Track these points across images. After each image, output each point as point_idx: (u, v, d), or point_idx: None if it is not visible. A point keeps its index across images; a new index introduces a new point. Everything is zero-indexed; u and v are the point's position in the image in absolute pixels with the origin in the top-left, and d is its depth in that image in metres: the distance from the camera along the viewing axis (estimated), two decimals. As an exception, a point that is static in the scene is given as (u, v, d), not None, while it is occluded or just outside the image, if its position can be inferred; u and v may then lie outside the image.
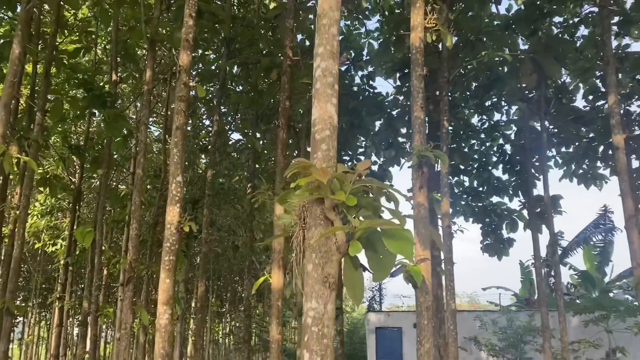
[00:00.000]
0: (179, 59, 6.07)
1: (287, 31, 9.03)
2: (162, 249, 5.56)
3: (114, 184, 16.67)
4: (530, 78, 9.67)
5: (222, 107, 13.61)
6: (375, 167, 14.74)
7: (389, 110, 12.82)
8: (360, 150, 14.76)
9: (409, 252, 2.49)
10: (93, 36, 13.30)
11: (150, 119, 17.21)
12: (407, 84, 10.74)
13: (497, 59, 9.70)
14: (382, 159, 14.51)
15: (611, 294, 20.68)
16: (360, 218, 2.73)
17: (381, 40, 11.56)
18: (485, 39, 9.45)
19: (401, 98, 13.06)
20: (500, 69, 11.58)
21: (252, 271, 14.30)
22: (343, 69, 13.47)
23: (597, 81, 13.32)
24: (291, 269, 10.43)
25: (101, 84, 13.11)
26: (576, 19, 13.13)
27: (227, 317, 34.50)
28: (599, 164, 14.50)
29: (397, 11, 11.59)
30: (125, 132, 10.94)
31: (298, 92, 10.21)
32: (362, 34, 15.99)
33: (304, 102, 11.53)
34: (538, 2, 11.72)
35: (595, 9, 12.87)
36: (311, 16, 14.43)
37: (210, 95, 15.23)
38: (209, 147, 15.59)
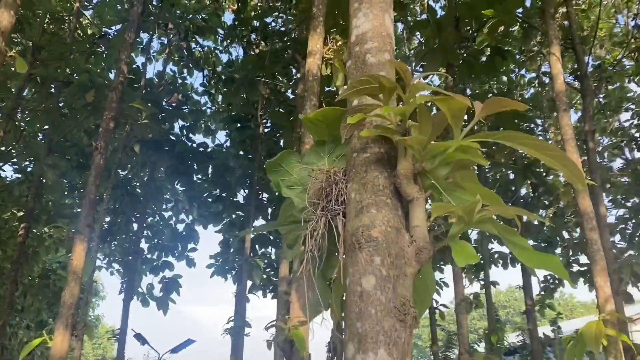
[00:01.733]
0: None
1: (126, 45, 7.69)
2: None
3: None
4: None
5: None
6: (181, 227, 13.25)
7: (213, 164, 11.80)
8: (170, 204, 13.19)
9: (559, 266, 1.52)
10: None
11: None
12: (242, 138, 9.99)
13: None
14: (190, 218, 13.12)
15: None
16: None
17: (225, 90, 10.73)
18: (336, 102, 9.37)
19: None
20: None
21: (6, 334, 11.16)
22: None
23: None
24: (82, 329, 8.22)
25: None
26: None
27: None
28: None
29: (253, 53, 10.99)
30: None
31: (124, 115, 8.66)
32: (187, 85, 15.07)
33: (125, 132, 9.91)
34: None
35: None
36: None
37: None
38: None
